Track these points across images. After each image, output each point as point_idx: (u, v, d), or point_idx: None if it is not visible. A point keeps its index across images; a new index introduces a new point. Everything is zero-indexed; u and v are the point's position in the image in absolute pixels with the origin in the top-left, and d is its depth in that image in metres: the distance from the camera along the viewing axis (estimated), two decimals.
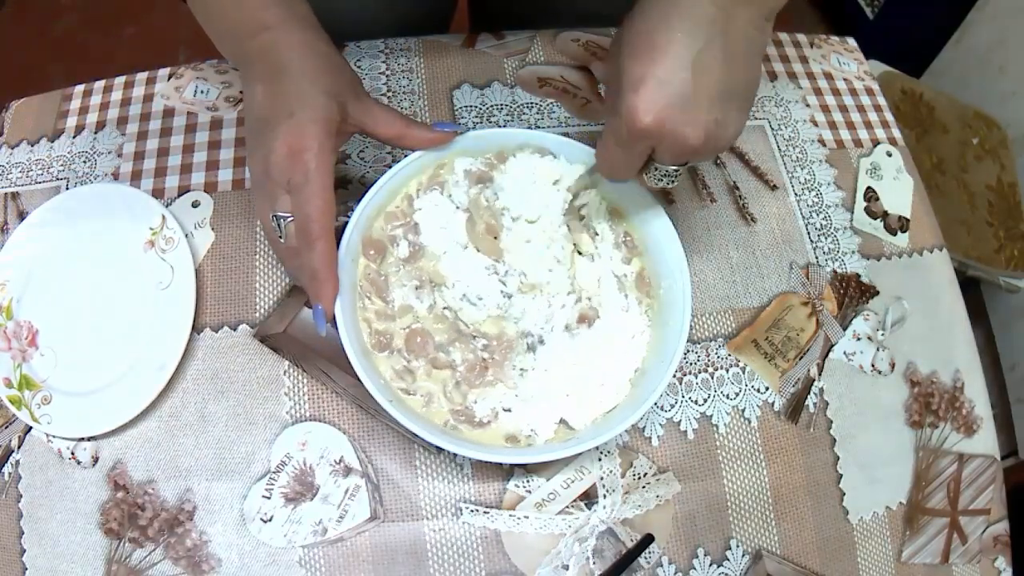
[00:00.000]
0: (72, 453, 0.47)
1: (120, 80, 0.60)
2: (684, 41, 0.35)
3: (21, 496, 0.46)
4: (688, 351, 0.52)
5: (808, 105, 0.64)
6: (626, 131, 0.36)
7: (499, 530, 0.46)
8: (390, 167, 0.46)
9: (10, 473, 0.47)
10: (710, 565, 0.47)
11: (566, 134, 0.51)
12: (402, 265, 0.46)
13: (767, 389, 0.52)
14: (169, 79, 0.59)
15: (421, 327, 0.45)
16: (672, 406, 0.50)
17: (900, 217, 0.61)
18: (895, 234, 0.60)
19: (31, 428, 0.47)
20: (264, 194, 0.41)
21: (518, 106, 0.60)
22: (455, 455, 0.47)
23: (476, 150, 0.48)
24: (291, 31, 0.41)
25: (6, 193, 0.55)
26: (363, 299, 0.45)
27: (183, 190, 0.54)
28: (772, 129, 0.62)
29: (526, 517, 0.46)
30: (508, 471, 0.47)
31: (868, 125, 0.64)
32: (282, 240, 0.41)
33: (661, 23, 0.35)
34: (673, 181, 0.41)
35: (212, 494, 0.46)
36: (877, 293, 0.57)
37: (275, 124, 0.39)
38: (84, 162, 0.56)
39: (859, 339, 0.55)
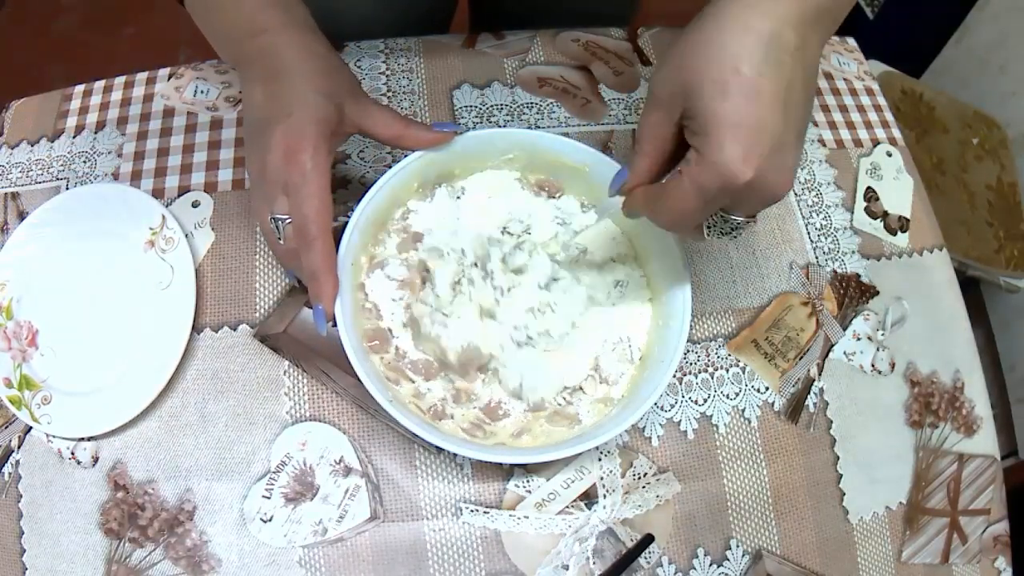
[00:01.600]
0: (72, 453, 0.47)
1: (120, 80, 0.60)
2: (774, 77, 0.31)
3: (21, 496, 0.46)
4: (688, 351, 0.52)
5: None
6: (719, 184, 0.32)
7: (499, 530, 0.46)
8: (390, 167, 0.46)
9: (10, 473, 0.47)
10: (710, 565, 0.47)
11: (566, 134, 0.51)
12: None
13: (767, 389, 0.52)
14: (169, 79, 0.59)
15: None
16: (672, 406, 0.50)
17: (900, 217, 0.61)
18: (895, 234, 0.60)
19: (31, 428, 0.47)
20: (262, 195, 0.41)
21: (518, 106, 0.60)
22: (455, 455, 0.47)
23: (476, 151, 0.48)
24: (289, 33, 0.41)
25: (6, 193, 0.55)
26: (393, 387, 0.44)
27: (183, 190, 0.54)
28: None
29: (526, 517, 0.46)
30: (508, 471, 0.47)
31: (868, 125, 0.64)
32: (281, 242, 0.41)
33: (743, 53, 0.31)
34: (738, 234, 0.37)
35: (212, 494, 0.46)
36: (877, 293, 0.57)
37: (272, 125, 0.39)
38: (84, 162, 0.56)
39: (859, 339, 0.55)
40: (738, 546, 0.48)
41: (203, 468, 0.46)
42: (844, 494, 0.50)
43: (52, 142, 0.57)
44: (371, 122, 0.43)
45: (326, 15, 0.45)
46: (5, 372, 0.48)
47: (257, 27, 0.41)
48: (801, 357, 0.53)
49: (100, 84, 0.59)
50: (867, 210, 0.60)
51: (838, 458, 0.51)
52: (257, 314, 0.50)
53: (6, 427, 0.48)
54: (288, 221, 0.40)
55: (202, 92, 0.59)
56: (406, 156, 0.46)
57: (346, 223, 0.44)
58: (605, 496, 0.47)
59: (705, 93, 0.32)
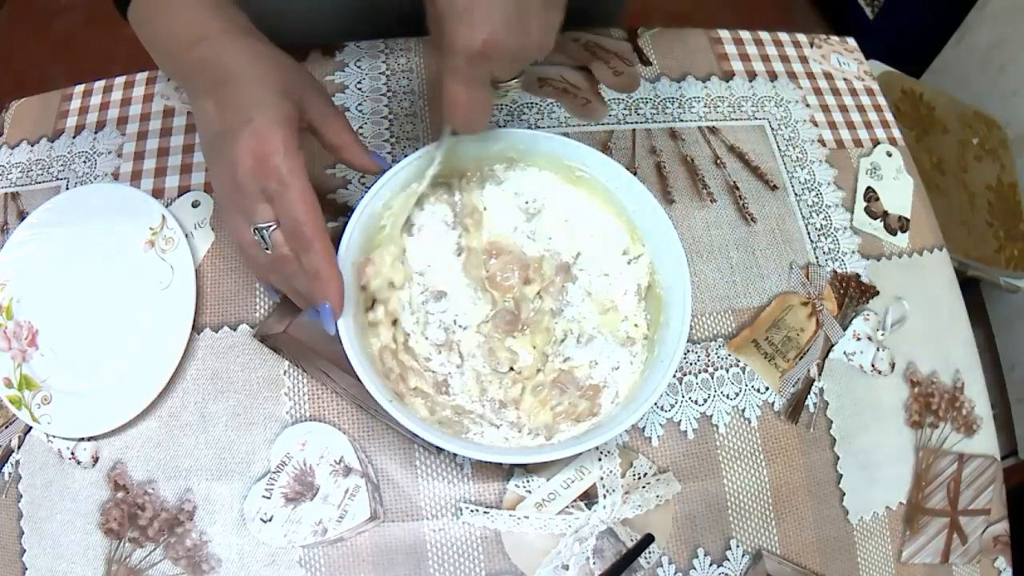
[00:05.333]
0: (72, 453, 0.47)
1: (120, 80, 0.60)
2: None
3: (21, 496, 0.46)
4: (688, 351, 0.52)
5: (808, 105, 0.64)
6: (464, 60, 0.36)
7: (499, 530, 0.46)
8: (390, 167, 0.46)
9: (10, 473, 0.47)
10: (710, 565, 0.47)
11: (566, 134, 0.51)
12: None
13: (767, 389, 0.52)
14: (169, 79, 0.59)
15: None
16: (672, 406, 0.50)
17: (900, 217, 0.61)
18: (895, 234, 0.60)
19: (31, 428, 0.47)
20: (237, 209, 0.39)
21: (518, 106, 0.60)
22: (455, 455, 0.47)
23: (476, 151, 0.48)
24: (230, 39, 0.39)
25: (6, 193, 0.55)
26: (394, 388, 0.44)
27: (183, 190, 0.54)
28: (772, 129, 0.62)
29: (526, 517, 0.46)
30: (508, 471, 0.47)
31: (868, 125, 0.64)
32: (268, 251, 0.39)
33: None
34: (508, 95, 0.42)
35: (212, 494, 0.46)
36: (877, 293, 0.57)
37: (234, 134, 0.37)
38: (84, 162, 0.56)
39: (859, 339, 0.55)
40: (738, 546, 0.48)
41: (203, 468, 0.46)
42: (844, 494, 0.50)
43: (52, 142, 0.57)
44: (322, 122, 0.42)
45: (325, 16, 0.45)
46: (5, 372, 0.48)
47: (196, 36, 0.39)
48: (801, 357, 0.53)
49: (100, 84, 0.59)
50: (867, 210, 0.60)
51: (838, 458, 0.51)
52: (257, 314, 0.50)
53: (6, 427, 0.48)
54: (273, 228, 0.39)
55: None
56: (406, 156, 0.46)
57: (346, 223, 0.44)
58: (605, 496, 0.47)
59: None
